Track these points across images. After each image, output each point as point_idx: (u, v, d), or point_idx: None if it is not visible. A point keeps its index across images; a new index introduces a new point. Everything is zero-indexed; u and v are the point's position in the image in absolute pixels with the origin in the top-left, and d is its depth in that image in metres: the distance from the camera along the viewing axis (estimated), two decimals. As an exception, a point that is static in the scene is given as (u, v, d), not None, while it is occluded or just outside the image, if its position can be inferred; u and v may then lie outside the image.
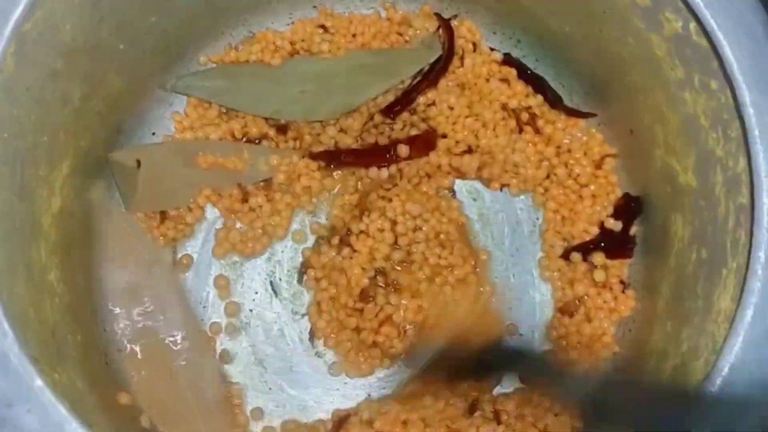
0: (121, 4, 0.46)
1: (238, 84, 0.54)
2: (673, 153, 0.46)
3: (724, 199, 0.41)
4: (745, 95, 0.36)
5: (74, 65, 0.45)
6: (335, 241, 0.53)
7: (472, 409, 0.49)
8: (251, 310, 0.54)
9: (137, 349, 0.50)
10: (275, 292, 0.54)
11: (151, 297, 0.51)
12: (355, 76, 0.54)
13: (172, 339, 0.51)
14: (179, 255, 0.54)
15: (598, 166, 0.53)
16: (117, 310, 0.51)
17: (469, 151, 0.54)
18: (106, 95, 0.49)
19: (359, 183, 0.54)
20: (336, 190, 0.54)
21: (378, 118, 0.54)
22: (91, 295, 0.50)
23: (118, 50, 0.48)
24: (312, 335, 0.53)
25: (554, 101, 0.54)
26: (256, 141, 0.54)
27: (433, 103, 0.54)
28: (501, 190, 0.55)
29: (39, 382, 0.33)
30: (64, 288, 0.46)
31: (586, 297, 0.51)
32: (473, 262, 0.52)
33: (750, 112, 0.36)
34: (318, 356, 0.53)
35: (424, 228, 0.52)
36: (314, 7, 0.56)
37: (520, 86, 0.54)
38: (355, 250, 0.52)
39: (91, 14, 0.44)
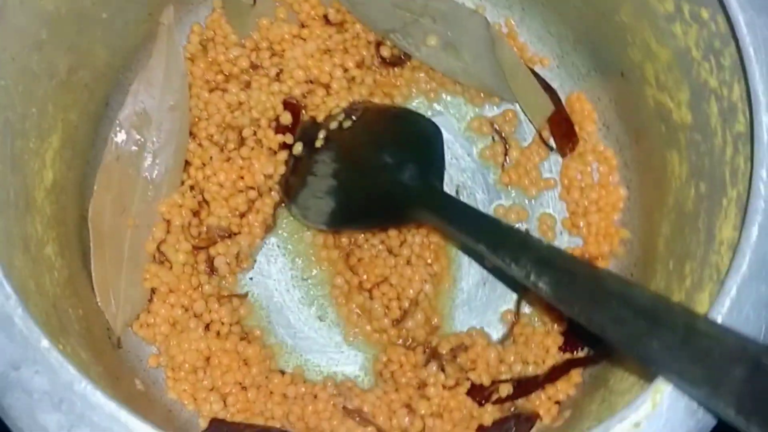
0: (102, -29, 0.45)
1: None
2: (665, 90, 0.46)
3: (721, 130, 0.41)
4: (739, 15, 0.36)
5: (59, 35, 0.44)
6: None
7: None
8: (251, 278, 0.54)
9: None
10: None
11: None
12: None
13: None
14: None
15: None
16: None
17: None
18: (92, 68, 0.49)
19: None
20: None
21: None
22: (89, 271, 0.50)
23: (102, 20, 0.48)
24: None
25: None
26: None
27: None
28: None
29: (45, 342, 0.33)
30: (62, 262, 0.46)
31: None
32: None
33: (744, 31, 0.36)
34: (320, 320, 0.53)
35: None
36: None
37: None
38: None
39: (72, -19, 0.43)
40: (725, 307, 0.33)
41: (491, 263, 0.52)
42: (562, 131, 0.55)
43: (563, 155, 0.55)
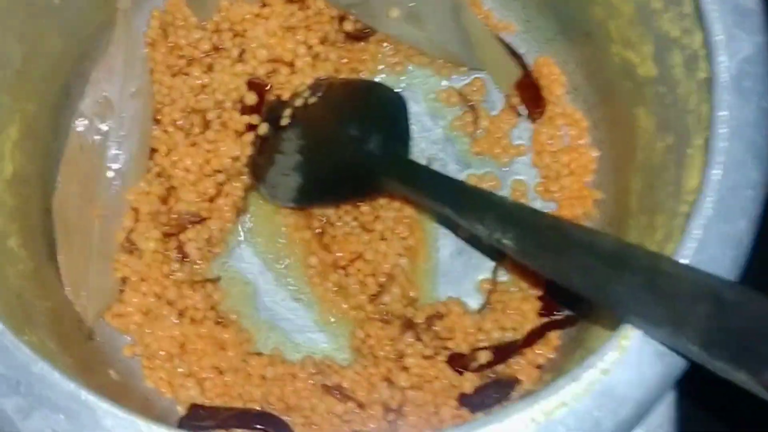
0: (49, -46, 0.44)
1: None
2: (629, 45, 0.45)
3: (685, 79, 0.40)
4: (693, -42, 0.35)
5: (7, 24, 0.44)
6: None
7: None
8: (224, 263, 0.53)
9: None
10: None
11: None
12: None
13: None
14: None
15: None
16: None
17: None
18: (48, 56, 0.48)
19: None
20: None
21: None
22: (56, 263, 0.49)
23: (54, 6, 0.47)
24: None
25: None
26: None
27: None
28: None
29: (-1, 326, 0.32)
30: (26, 254, 0.45)
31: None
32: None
33: (697, -28, 0.35)
34: (296, 300, 0.53)
35: None
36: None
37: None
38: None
39: (15, -35, 0.42)
40: (691, 250, 0.33)
41: (463, 232, 0.51)
42: (531, 96, 0.54)
43: (533, 121, 0.54)
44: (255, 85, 0.54)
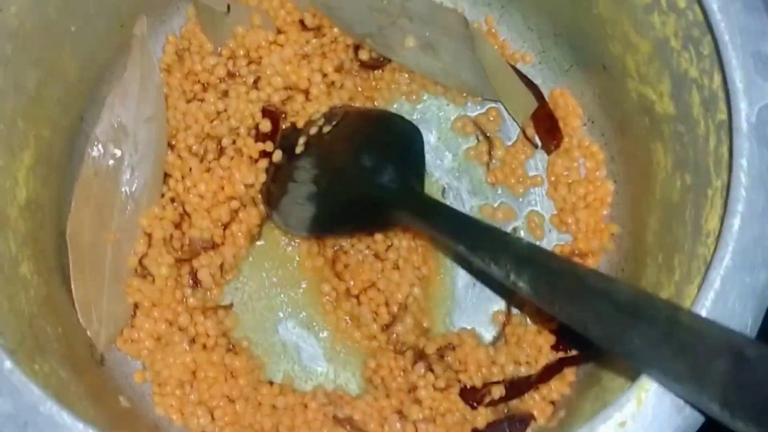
0: (67, -18, 0.44)
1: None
2: (647, 81, 0.45)
3: (703, 120, 0.40)
4: (713, 3, 0.35)
5: (25, 50, 0.44)
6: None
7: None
8: (237, 289, 0.53)
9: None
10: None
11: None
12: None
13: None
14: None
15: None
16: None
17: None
18: (63, 82, 0.48)
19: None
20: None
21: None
22: (68, 287, 0.49)
23: (70, 33, 0.47)
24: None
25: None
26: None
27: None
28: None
29: (8, 364, 0.32)
30: (39, 280, 0.45)
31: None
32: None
33: (718, 17, 0.35)
34: (308, 328, 0.53)
35: None
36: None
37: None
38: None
39: (36, -7, 0.42)
40: (709, 300, 0.32)
41: (475, 265, 0.51)
42: (547, 128, 0.54)
43: (549, 152, 0.54)
44: (269, 113, 0.54)
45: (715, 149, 0.38)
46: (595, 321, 0.33)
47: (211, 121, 0.54)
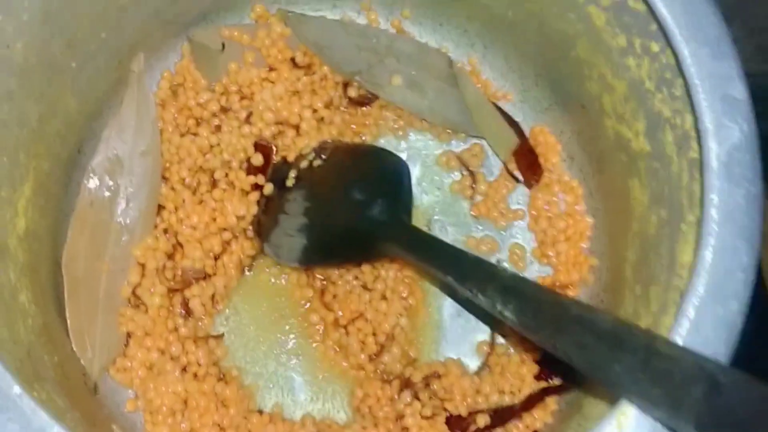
0: (71, 21, 0.46)
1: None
2: (623, 120, 0.47)
3: (677, 157, 0.42)
4: (683, 48, 0.38)
5: (28, 85, 0.45)
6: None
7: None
8: (227, 319, 0.54)
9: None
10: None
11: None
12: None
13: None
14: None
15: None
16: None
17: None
18: (63, 116, 0.50)
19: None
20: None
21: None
22: (64, 317, 0.50)
23: (71, 69, 0.49)
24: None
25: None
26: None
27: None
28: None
29: (17, 389, 0.33)
30: (36, 309, 0.46)
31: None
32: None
33: (689, 62, 0.37)
34: (297, 358, 0.54)
35: None
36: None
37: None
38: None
39: (41, 32, 0.44)
40: (684, 329, 0.34)
41: (461, 295, 0.52)
42: (528, 163, 0.56)
43: (530, 187, 0.56)
44: (261, 147, 0.55)
45: (688, 185, 0.40)
46: (577, 349, 0.35)
47: (204, 155, 0.55)
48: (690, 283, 0.35)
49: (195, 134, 0.55)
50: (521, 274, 0.53)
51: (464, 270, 0.43)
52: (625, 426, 0.33)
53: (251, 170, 0.55)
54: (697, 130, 0.38)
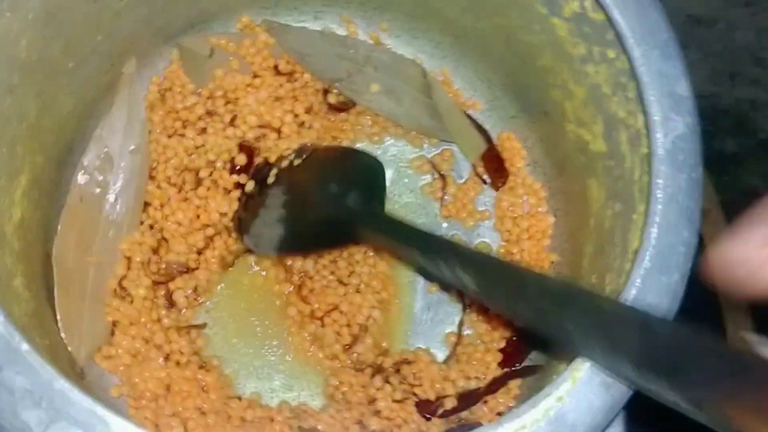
0: (70, 23, 0.49)
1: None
2: (582, 124, 0.51)
3: (630, 154, 0.46)
4: (635, 50, 0.42)
5: (29, 81, 0.48)
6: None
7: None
8: (208, 311, 0.57)
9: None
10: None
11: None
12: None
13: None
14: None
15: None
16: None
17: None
18: (58, 114, 0.52)
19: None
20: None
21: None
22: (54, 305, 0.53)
23: (68, 68, 0.51)
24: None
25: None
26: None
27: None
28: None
29: (26, 346, 0.36)
30: (29, 295, 0.48)
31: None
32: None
33: (640, 62, 0.41)
34: (275, 348, 0.57)
35: None
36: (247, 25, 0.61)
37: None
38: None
39: (43, 31, 0.47)
40: (631, 296, 0.38)
41: (431, 270, 0.56)
42: (494, 167, 0.60)
43: (496, 189, 0.60)
44: (245, 148, 0.58)
45: (639, 179, 0.44)
46: (534, 313, 0.38)
47: (190, 155, 0.58)
48: (636, 256, 0.39)
49: (182, 135, 0.58)
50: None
51: (428, 244, 0.46)
52: (579, 380, 0.36)
53: (234, 170, 0.58)
54: (647, 126, 0.42)
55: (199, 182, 0.58)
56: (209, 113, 0.59)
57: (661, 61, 0.42)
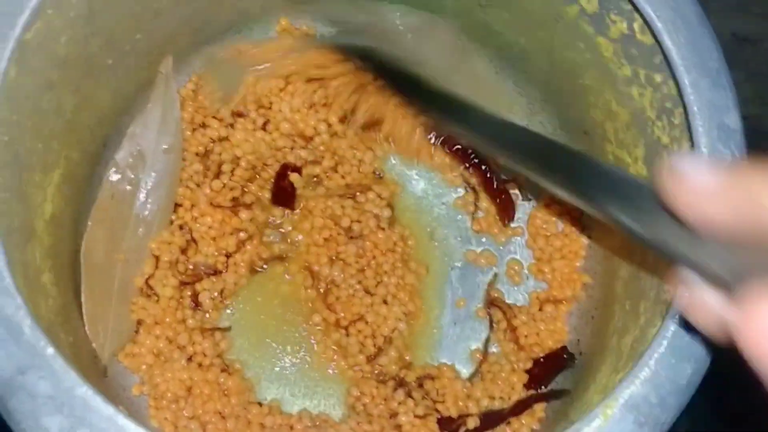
0: (111, 21, 0.49)
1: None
2: (623, 146, 0.50)
3: (671, 183, 0.45)
4: (685, 77, 0.41)
5: (68, 77, 0.48)
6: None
7: None
8: (233, 314, 0.57)
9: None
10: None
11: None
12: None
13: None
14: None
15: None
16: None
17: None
18: (95, 109, 0.52)
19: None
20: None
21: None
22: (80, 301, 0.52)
23: (107, 66, 0.51)
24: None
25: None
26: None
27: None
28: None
29: (50, 350, 0.36)
30: (56, 290, 0.48)
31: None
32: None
33: (689, 91, 0.40)
34: (298, 355, 0.56)
35: None
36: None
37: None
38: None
39: (83, 28, 0.47)
40: (670, 332, 0.37)
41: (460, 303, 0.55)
42: (503, 206, 0.59)
43: (504, 224, 0.59)
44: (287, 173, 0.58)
45: (681, 208, 0.43)
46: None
47: (212, 143, 0.58)
48: (677, 294, 0.37)
49: (207, 126, 0.58)
50: (515, 288, 0.56)
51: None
52: (611, 417, 0.35)
53: (278, 199, 0.58)
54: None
55: (218, 174, 0.57)
56: (239, 114, 0.59)
57: (711, 90, 0.40)
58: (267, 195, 0.58)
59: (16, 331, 0.36)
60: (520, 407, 0.52)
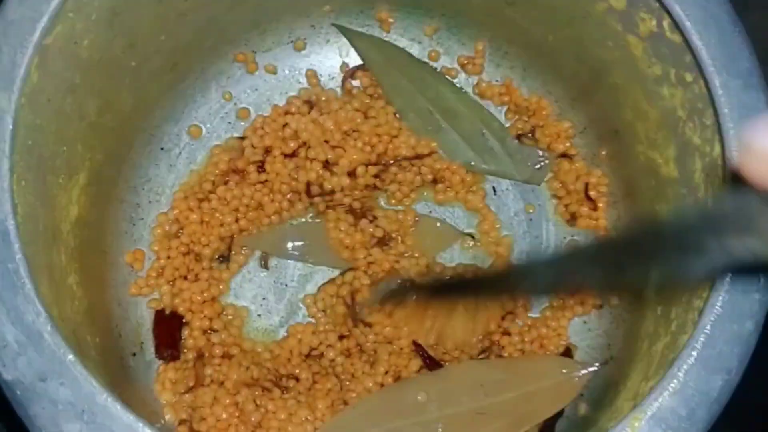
0: (134, 23, 0.49)
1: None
2: (654, 147, 0.49)
3: (704, 184, 0.44)
4: (715, 79, 0.39)
5: (90, 80, 0.48)
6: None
7: None
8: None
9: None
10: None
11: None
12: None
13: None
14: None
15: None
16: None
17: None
18: (119, 112, 0.52)
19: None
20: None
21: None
22: (105, 302, 0.53)
23: (130, 68, 0.51)
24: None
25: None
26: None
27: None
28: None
29: (71, 357, 0.36)
30: (82, 292, 0.48)
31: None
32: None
33: (719, 92, 0.39)
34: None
35: None
36: (312, 26, 0.59)
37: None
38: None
39: (106, 31, 0.47)
40: (699, 343, 0.36)
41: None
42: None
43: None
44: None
45: (713, 210, 0.42)
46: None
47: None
48: (707, 300, 0.36)
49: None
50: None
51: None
52: (638, 429, 0.34)
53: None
54: (724, 159, 0.39)
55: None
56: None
57: (743, 91, 0.39)
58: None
59: (37, 337, 0.36)
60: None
